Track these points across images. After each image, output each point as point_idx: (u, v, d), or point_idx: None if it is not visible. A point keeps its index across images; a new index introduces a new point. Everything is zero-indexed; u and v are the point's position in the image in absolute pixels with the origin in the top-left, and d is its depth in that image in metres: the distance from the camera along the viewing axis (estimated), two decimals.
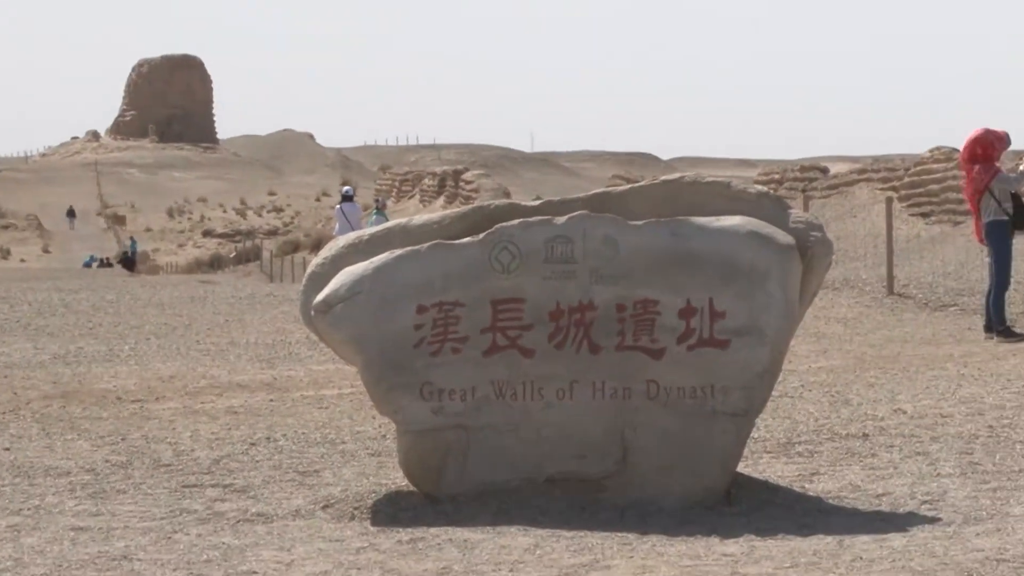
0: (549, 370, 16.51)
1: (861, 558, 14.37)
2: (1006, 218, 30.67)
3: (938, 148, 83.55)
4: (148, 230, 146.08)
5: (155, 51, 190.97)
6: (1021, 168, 32.64)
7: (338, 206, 75.02)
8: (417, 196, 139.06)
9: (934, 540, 15.03)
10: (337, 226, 70.13)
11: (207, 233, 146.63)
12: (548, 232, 16.66)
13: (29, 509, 16.91)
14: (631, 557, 14.49)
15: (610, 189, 18.26)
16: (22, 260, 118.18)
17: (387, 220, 21.44)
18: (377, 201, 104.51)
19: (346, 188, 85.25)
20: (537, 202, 17.73)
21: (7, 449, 20.64)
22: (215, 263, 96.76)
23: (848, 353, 27.87)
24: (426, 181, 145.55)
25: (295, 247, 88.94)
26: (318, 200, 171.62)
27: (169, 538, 15.45)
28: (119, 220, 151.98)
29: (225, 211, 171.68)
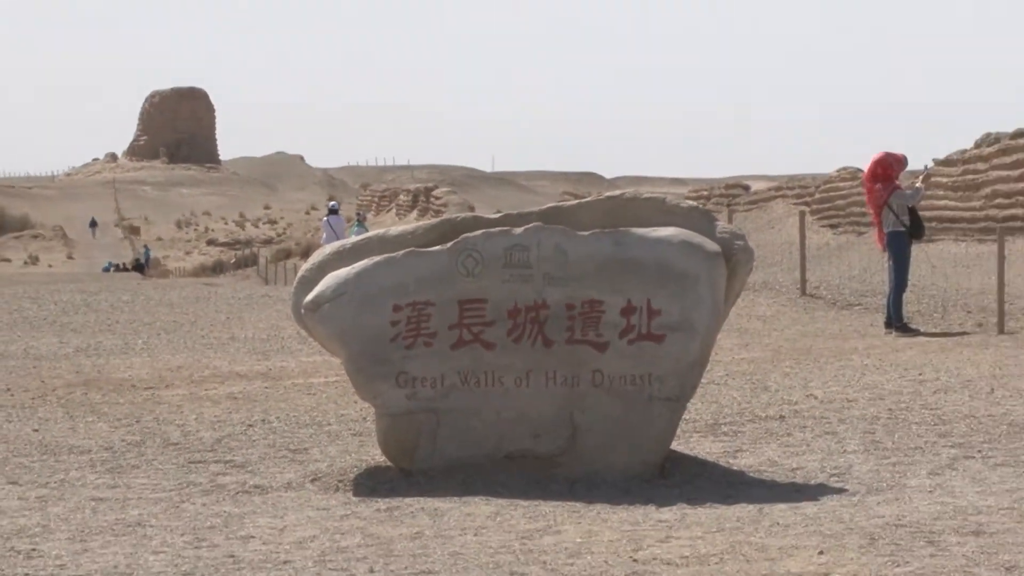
0: (508, 361, 16.68)
1: (778, 523, 14.49)
2: (904, 229, 30.97)
3: (844, 168, 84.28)
4: (159, 239, 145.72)
5: (165, 84, 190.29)
6: (917, 186, 32.96)
7: (325, 218, 75.37)
8: (393, 210, 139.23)
9: (841, 508, 15.16)
10: (324, 236, 70.32)
11: (211, 242, 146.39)
12: (507, 241, 16.82)
13: (55, 482, 16.97)
14: (579, 523, 14.62)
15: (561, 204, 18.39)
16: (49, 265, 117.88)
17: (367, 231, 21.50)
18: (359, 214, 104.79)
19: (332, 203, 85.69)
20: (497, 215, 17.88)
21: (36, 430, 20.67)
22: (217, 268, 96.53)
23: (767, 346, 27.93)
24: (401, 197, 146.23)
25: (287, 254, 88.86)
26: (307, 213, 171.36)
27: (177, 507, 15.53)
28: (134, 230, 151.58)
29: (226, 223, 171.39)
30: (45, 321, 40.55)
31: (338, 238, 67.01)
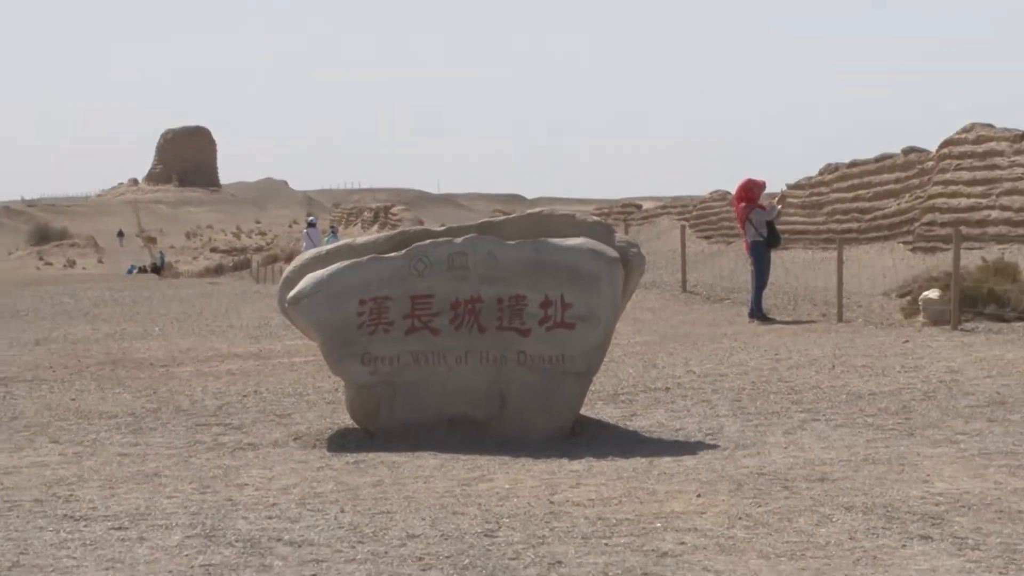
0: (450, 344, 16.71)
1: (665, 473, 14.52)
2: (762, 239, 31.04)
3: (716, 191, 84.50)
4: (172, 247, 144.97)
5: (176, 123, 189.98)
6: (775, 204, 33.02)
7: (305, 230, 75.55)
8: (359, 224, 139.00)
9: (714, 460, 15.18)
10: (304, 244, 70.32)
11: (213, 249, 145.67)
12: (449, 249, 16.85)
13: (88, 441, 16.88)
14: (507, 473, 14.62)
15: (492, 219, 18.41)
16: (83, 268, 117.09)
17: (338, 240, 21.40)
18: (332, 227, 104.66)
19: (310, 218, 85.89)
20: (442, 228, 17.88)
21: (73, 399, 20.55)
22: (218, 270, 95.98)
23: (655, 332, 27.89)
24: (365, 213, 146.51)
25: (274, 259, 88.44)
26: (290, 226, 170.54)
27: (186, 461, 15.47)
28: (152, 240, 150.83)
29: (225, 234, 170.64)
30: (80, 312, 40.33)
31: (315, 246, 66.93)
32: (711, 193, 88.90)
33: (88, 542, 11.59)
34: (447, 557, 11.09)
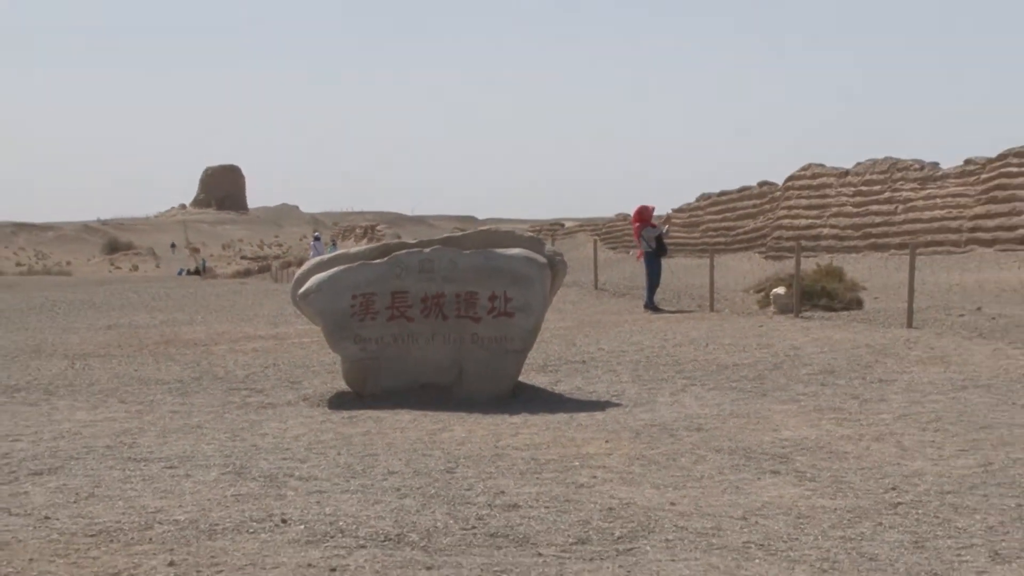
0: (421, 329, 16.71)
1: (581, 424, 14.50)
2: (652, 250, 31.06)
3: (619, 214, 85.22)
4: (211, 255, 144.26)
5: (214, 161, 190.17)
6: (663, 225, 33.06)
7: (312, 242, 75.74)
8: (352, 238, 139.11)
9: (619, 415, 15.17)
10: (312, 252, 70.25)
11: (243, 257, 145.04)
12: (420, 257, 16.86)
13: (146, 401, 16.77)
14: (463, 425, 14.57)
15: (453, 234, 18.35)
16: (144, 271, 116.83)
17: (337, 250, 21.37)
18: (332, 240, 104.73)
19: (316, 233, 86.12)
20: (415, 242, 17.84)
21: (135, 370, 20.41)
22: (246, 273, 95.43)
23: (574, 319, 27.84)
24: (357, 230, 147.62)
25: (288, 264, 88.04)
26: (300, 240, 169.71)
27: (221, 416, 15.38)
28: (196, 250, 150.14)
29: (251, 246, 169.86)
30: (141, 304, 40.12)
31: (320, 254, 66.91)
32: (616, 215, 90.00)
33: (146, 477, 11.55)
34: (418, 488, 11.08)
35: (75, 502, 10.61)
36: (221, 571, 8.55)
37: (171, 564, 8.69)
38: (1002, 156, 58.31)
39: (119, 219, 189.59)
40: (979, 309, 29.60)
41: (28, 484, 11.35)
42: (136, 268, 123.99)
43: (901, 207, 62.49)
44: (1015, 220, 56.12)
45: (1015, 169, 57.30)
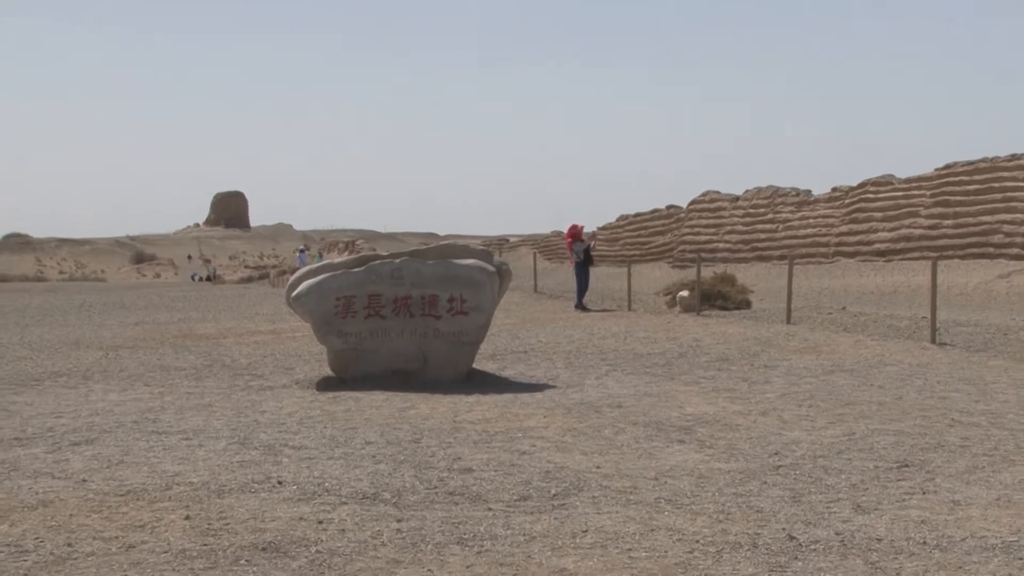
0: (392, 325, 16.60)
1: (524, 403, 14.44)
2: (581, 260, 31.10)
3: (554, 231, 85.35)
4: (220, 265, 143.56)
5: (223, 187, 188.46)
6: (590, 241, 33.01)
7: (297, 254, 75.65)
8: (336, 251, 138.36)
9: (554, 395, 15.12)
10: (298, 263, 70.01)
11: (246, 266, 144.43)
12: (392, 266, 16.78)
13: (167, 385, 16.64)
14: (427, 404, 14.50)
15: (419, 248, 18.31)
16: (165, 278, 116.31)
17: (323, 261, 21.34)
18: (320, 252, 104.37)
19: (302, 246, 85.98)
20: (387, 254, 17.78)
21: (158, 359, 20.27)
22: (249, 280, 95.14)
23: (518, 317, 27.84)
24: (340, 244, 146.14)
25: (283, 272, 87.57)
26: (293, 252, 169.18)
27: (228, 397, 15.27)
28: (207, 261, 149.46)
29: (253, 258, 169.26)
30: (162, 305, 39.92)
31: (304, 263, 66.77)
32: (551, 232, 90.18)
33: (167, 447, 11.49)
34: (390, 455, 11.06)
35: (107, 467, 10.61)
36: (228, 523, 8.56)
37: (187, 518, 8.71)
38: (862, 184, 59.13)
39: (144, 235, 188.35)
40: (844, 308, 29.86)
41: (68, 453, 11.34)
42: (158, 276, 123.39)
43: (781, 226, 63.02)
44: (871, 236, 56.72)
45: (871, 195, 58.03)
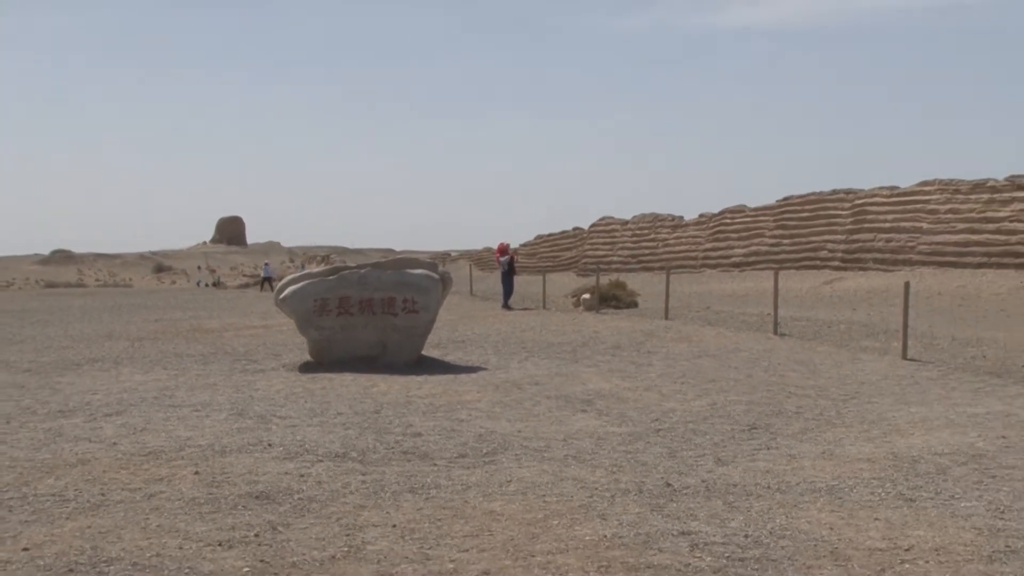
0: (358, 321, 16.45)
1: (462, 382, 14.37)
2: (506, 271, 31.07)
3: (486, 247, 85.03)
4: (223, 275, 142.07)
5: (225, 212, 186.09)
6: (513, 256, 32.85)
7: (263, 266, 74.94)
8: (314, 263, 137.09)
9: (485, 375, 15.05)
10: (263, 273, 69.35)
11: (244, 275, 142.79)
12: (359, 274, 16.69)
13: (180, 368, 16.39)
14: (386, 383, 14.39)
15: (379, 260, 18.20)
16: (179, 285, 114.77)
17: (305, 270, 21.15)
18: (302, 264, 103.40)
19: (266, 262, 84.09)
20: (355, 265, 17.65)
21: (173, 348, 19.94)
22: (246, 286, 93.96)
23: (457, 314, 27.73)
24: (318, 257, 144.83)
25: (279, 280, 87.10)
26: (280, 264, 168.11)
27: (229, 378, 15.08)
28: (212, 271, 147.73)
29: (249, 268, 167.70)
30: (177, 306, 39.39)
31: (269, 274, 66.44)
32: (483, 248, 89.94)
33: (180, 417, 11.35)
34: (356, 423, 11.00)
35: (133, 433, 10.48)
36: (228, 477, 8.49)
37: (196, 473, 8.65)
38: (721, 212, 59.83)
39: (163, 251, 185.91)
40: (708, 308, 30.08)
41: (102, 422, 11.20)
42: (174, 282, 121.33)
43: (660, 243, 63.54)
44: (729, 252, 57.33)
45: (729, 220, 58.70)
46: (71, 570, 6.22)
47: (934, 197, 47.32)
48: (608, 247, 67.50)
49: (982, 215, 44.58)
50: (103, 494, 8.02)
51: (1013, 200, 43.66)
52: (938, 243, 45.79)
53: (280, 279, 34.27)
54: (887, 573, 6.18)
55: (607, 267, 61.35)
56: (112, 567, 6.26)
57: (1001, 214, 43.73)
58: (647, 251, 63.94)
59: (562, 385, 14.05)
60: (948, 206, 46.28)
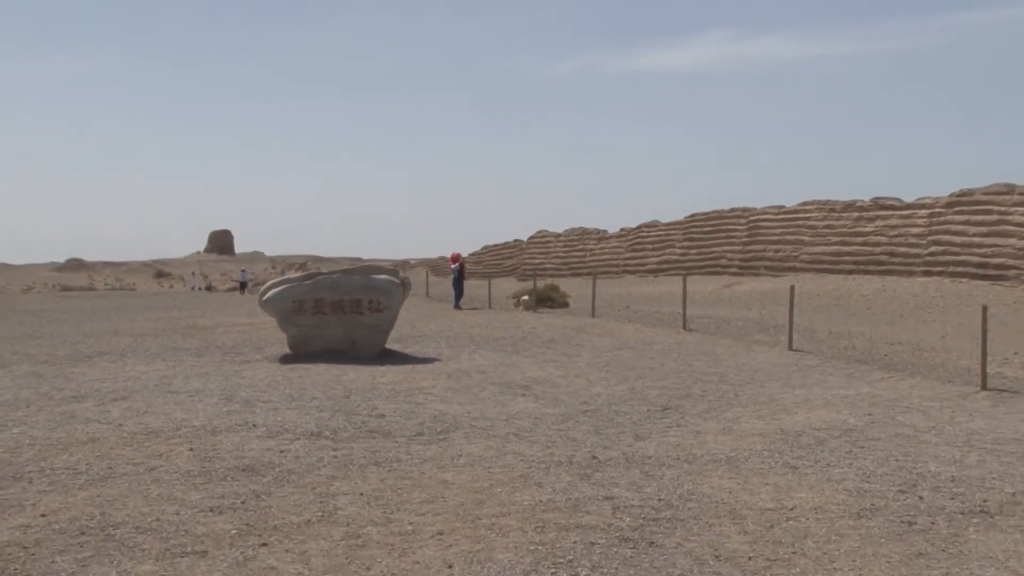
0: (331, 320, 16.26)
1: (419, 371, 14.26)
2: (456, 276, 30.90)
3: (440, 256, 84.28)
4: (215, 280, 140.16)
5: (215, 227, 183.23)
6: (464, 261, 32.76)
7: (240, 272, 73.75)
8: (293, 270, 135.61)
9: (439, 365, 14.97)
10: (241, 278, 68.48)
11: (232, 280, 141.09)
12: (331, 280, 16.50)
13: (177, 360, 16.06)
14: (355, 372, 14.24)
15: (348, 268, 18.01)
16: (176, 289, 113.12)
17: (285, 276, 20.98)
18: (282, 271, 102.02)
19: (243, 268, 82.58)
20: (328, 271, 17.46)
21: (171, 343, 19.56)
22: (234, 289, 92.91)
23: (415, 314, 27.56)
24: (296, 265, 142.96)
25: (257, 284, 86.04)
26: (264, 270, 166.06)
27: (219, 368, 14.83)
28: (205, 276, 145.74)
29: (237, 274, 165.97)
30: (174, 306, 38.76)
31: (245, 279, 65.51)
32: (438, 256, 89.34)
33: (177, 402, 11.19)
34: (328, 407, 10.91)
35: (136, 415, 10.32)
36: (219, 453, 8.40)
37: (191, 449, 8.55)
38: (639, 227, 60.18)
39: (162, 259, 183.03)
40: (628, 307, 30.23)
41: (110, 406, 11.01)
42: (172, 286, 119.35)
43: (588, 253, 63.75)
44: (645, 260, 57.73)
45: (645, 233, 59.08)
46: (82, 533, 6.21)
47: (813, 215, 48.09)
48: (543, 256, 67.67)
49: (852, 230, 45.40)
50: (110, 468, 7.93)
51: (876, 218, 44.54)
52: (817, 253, 46.54)
53: (257, 284, 33.97)
54: (775, 529, 6.27)
55: (543, 273, 61.49)
56: (118, 530, 6.24)
57: (867, 229, 44.58)
58: (576, 259, 64.22)
59: (505, 373, 14.04)
60: (825, 222, 47.06)
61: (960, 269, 39.00)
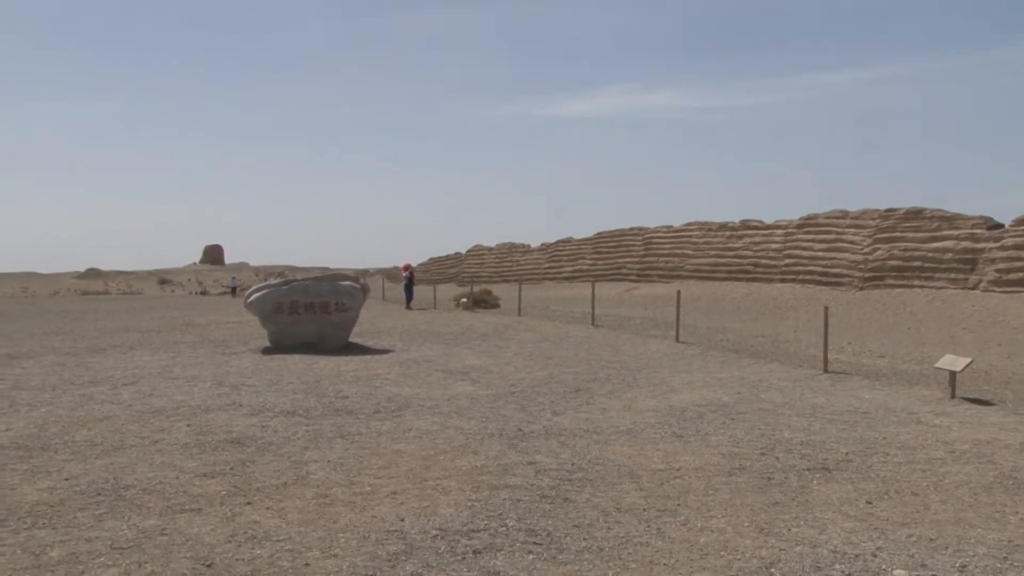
0: (305, 319, 15.99)
1: (378, 361, 14.10)
2: (407, 283, 30.66)
3: (394, 265, 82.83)
4: (208, 285, 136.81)
5: (209, 241, 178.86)
6: (411, 273, 32.38)
7: (230, 279, 71.49)
8: (273, 277, 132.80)
9: (395, 356, 14.80)
10: (229, 284, 66.87)
11: (223, 286, 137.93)
12: (304, 285, 16.28)
13: (177, 352, 15.62)
14: (325, 362, 14.02)
15: (318, 276, 17.73)
16: (176, 293, 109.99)
17: (268, 282, 20.59)
18: (265, 279, 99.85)
19: (232, 276, 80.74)
20: (302, 278, 17.16)
21: (172, 338, 19.04)
22: (224, 294, 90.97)
23: (374, 313, 27.31)
24: (276, 274, 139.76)
25: (244, 289, 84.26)
26: (249, 278, 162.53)
27: (212, 358, 14.46)
28: (200, 283, 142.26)
29: (227, 281, 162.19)
30: (174, 307, 37.75)
31: (233, 285, 63.97)
32: (392, 266, 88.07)
33: (177, 387, 10.91)
34: (302, 389, 10.73)
35: (143, 397, 10.05)
36: (211, 428, 8.24)
37: (188, 425, 8.37)
38: (556, 242, 60.44)
39: (164, 268, 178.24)
40: (548, 308, 30.34)
41: (121, 389, 10.70)
42: (173, 291, 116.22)
43: (515, 264, 63.81)
44: (562, 269, 57.98)
45: (562, 248, 59.35)
46: (99, 493, 6.17)
47: (695, 233, 48.98)
48: (479, 265, 67.57)
49: (725, 245, 46.36)
50: (121, 440, 7.78)
51: (744, 236, 45.57)
52: (698, 264, 47.42)
53: (244, 288, 33.26)
54: (664, 486, 6.37)
55: (479, 279, 61.38)
56: (129, 491, 6.18)
57: (737, 245, 45.58)
58: (507, 268, 64.27)
59: (447, 362, 13.97)
60: (704, 239, 47.96)
61: (808, 277, 40.23)
